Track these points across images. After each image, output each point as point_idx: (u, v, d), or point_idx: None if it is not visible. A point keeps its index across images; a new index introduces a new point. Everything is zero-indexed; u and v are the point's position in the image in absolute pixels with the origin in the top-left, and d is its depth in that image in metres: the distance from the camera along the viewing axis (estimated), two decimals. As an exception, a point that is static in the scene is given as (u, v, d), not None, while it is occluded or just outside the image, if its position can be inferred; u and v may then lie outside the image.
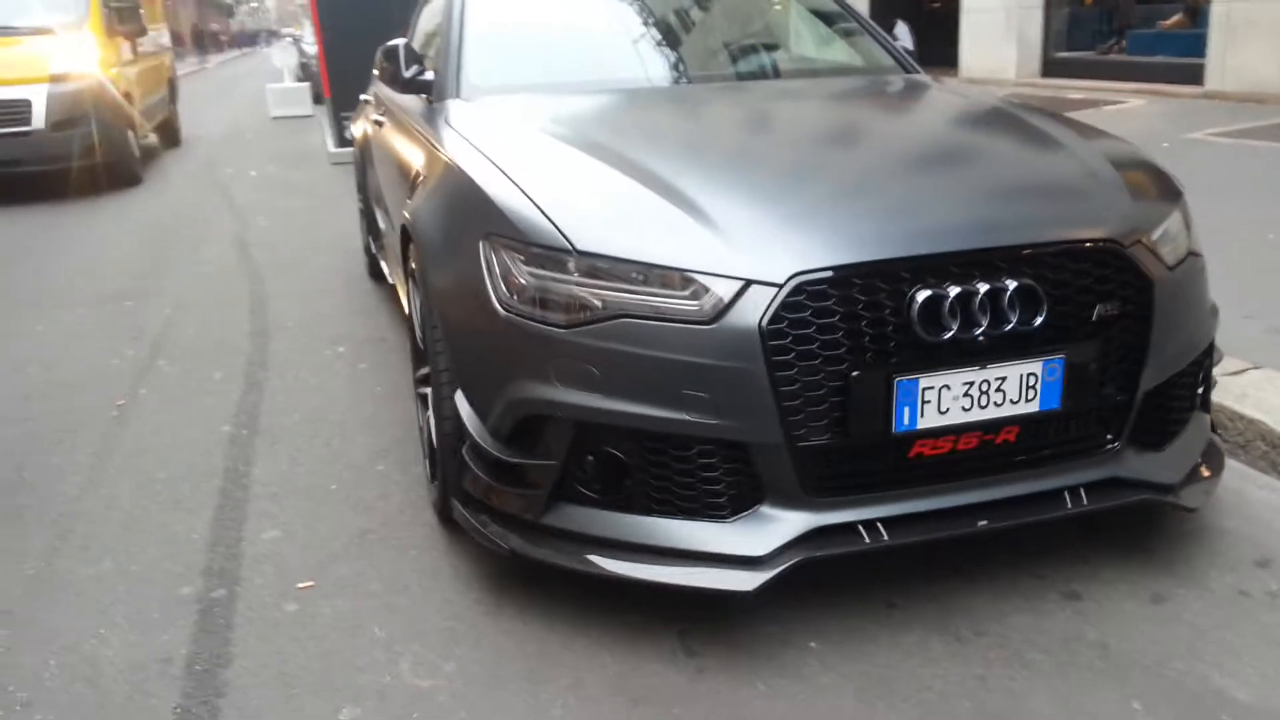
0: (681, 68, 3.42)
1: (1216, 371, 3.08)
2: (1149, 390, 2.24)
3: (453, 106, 3.08)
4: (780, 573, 2.03)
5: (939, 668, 2.05)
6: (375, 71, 3.59)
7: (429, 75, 3.31)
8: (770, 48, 3.72)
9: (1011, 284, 2.04)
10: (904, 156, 2.61)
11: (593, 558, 2.13)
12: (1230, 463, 2.83)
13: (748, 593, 2.02)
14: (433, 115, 3.08)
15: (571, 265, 2.09)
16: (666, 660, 2.10)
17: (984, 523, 2.14)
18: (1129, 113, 8.76)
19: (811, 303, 1.98)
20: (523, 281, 2.13)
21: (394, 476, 2.98)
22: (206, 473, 3.08)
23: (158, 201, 8.37)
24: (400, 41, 3.37)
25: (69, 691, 2.09)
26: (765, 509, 2.08)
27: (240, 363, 4.10)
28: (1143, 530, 2.48)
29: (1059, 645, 2.09)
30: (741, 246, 2.04)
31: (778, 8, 3.96)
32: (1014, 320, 2.04)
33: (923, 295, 2.00)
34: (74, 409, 3.68)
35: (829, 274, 1.99)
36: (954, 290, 2.01)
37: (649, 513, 2.12)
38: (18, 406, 3.75)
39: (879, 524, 2.09)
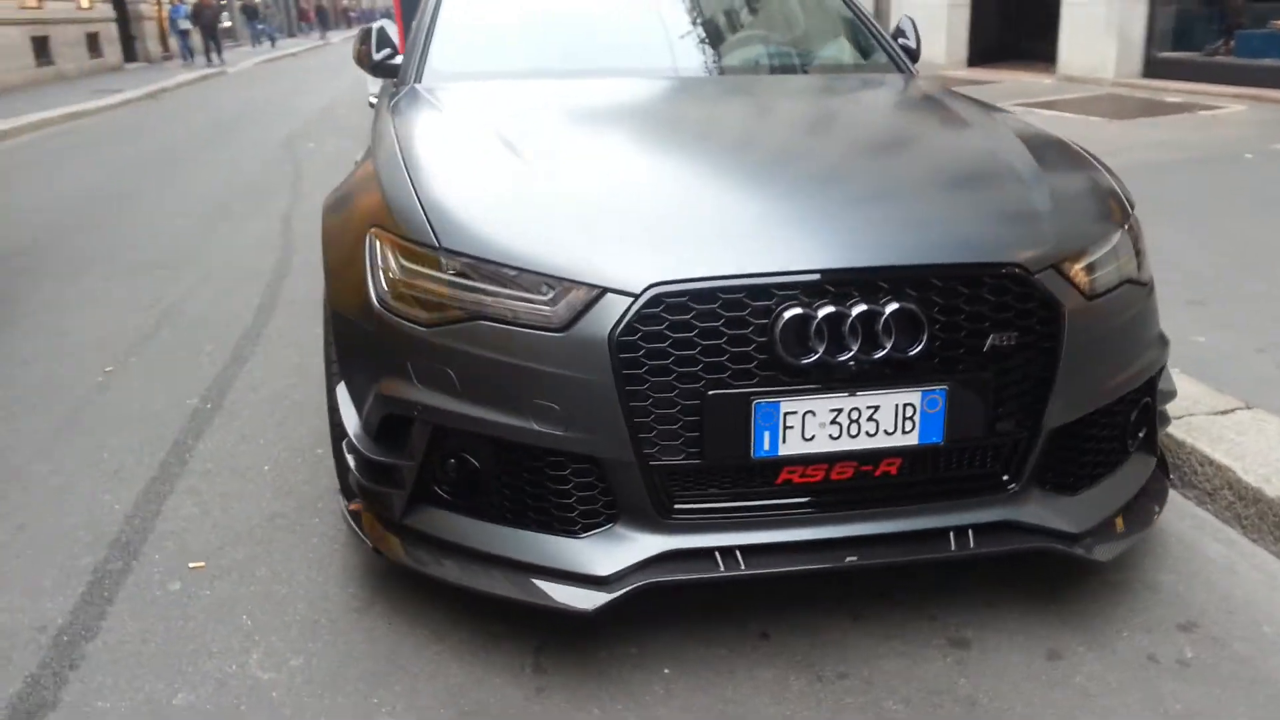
0: (654, 59, 3.30)
1: (1200, 409, 2.88)
2: (1058, 428, 2.07)
3: (405, 93, 3.05)
4: (625, 594, 1.94)
5: (786, 708, 1.93)
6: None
7: (397, 60, 3.29)
8: (755, 41, 3.58)
9: (890, 308, 1.90)
10: (815, 165, 2.47)
11: (447, 563, 2.08)
12: (1197, 512, 2.63)
13: (588, 612, 1.94)
14: (389, 100, 3.06)
15: (439, 263, 2.03)
16: (512, 675, 2.04)
17: (852, 559, 2.00)
18: (1222, 119, 8.21)
19: (669, 316, 1.88)
20: (394, 277, 2.09)
21: (329, 462, 2.97)
22: (156, 445, 3.14)
23: (230, 171, 8.62)
24: (376, 24, 3.36)
25: (-62, 653, 2.15)
26: (619, 528, 2.00)
27: (235, 336, 4.17)
28: (1064, 576, 2.29)
29: (923, 696, 1.95)
30: (605, 253, 1.95)
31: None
32: (889, 346, 1.90)
33: (789, 314, 1.87)
34: (63, 373, 3.80)
35: (690, 287, 1.89)
36: (824, 311, 1.88)
37: (503, 522, 2.05)
38: (15, 369, 3.89)
39: (737, 552, 1.98)
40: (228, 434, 3.21)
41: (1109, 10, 10.55)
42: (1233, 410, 2.86)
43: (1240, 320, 3.62)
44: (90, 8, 22.23)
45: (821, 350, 1.88)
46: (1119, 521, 2.19)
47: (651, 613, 2.17)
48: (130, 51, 23.80)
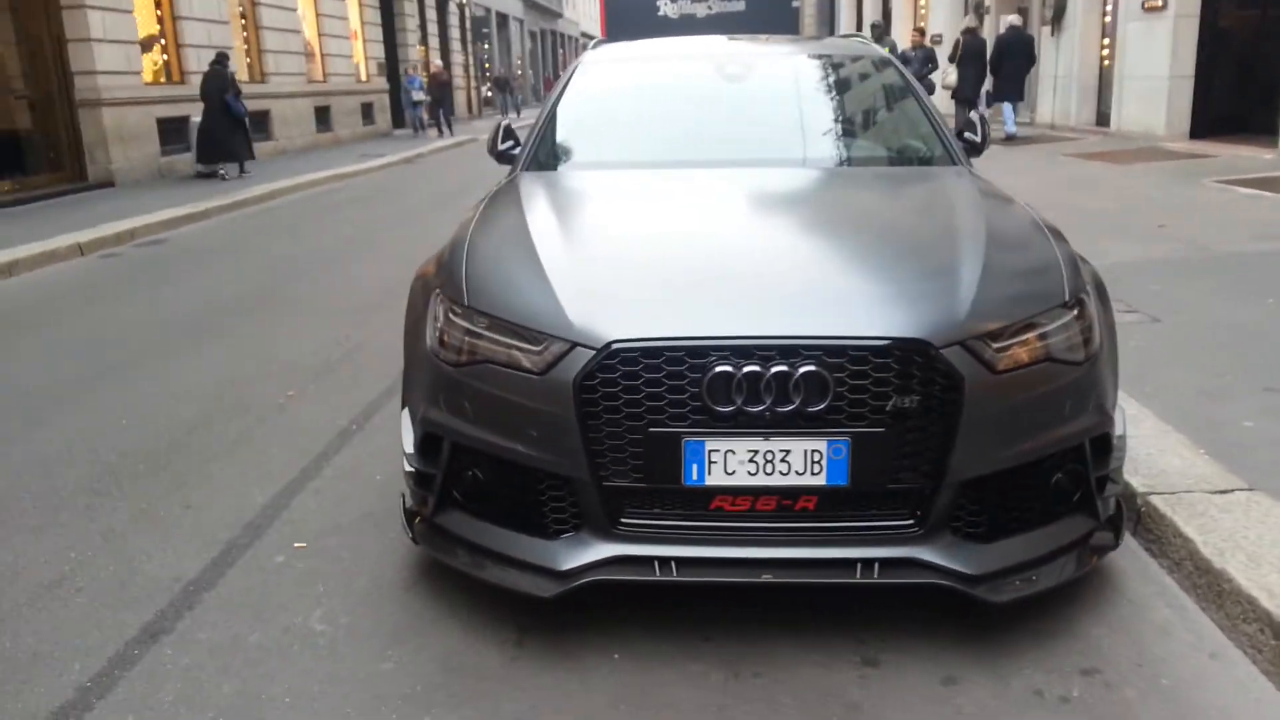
0: (721, 152, 3.78)
1: (1202, 487, 3.03)
2: (969, 482, 2.38)
3: (505, 181, 3.71)
4: (577, 586, 2.43)
5: (696, 693, 2.34)
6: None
7: (515, 150, 3.97)
8: (821, 137, 3.98)
9: (802, 369, 2.30)
10: (776, 246, 2.91)
11: (460, 553, 2.64)
12: (1162, 578, 2.80)
13: (547, 599, 2.44)
14: (496, 186, 3.73)
15: (466, 316, 2.62)
16: (498, 646, 2.54)
17: (768, 576, 2.40)
18: None
19: (622, 366, 2.37)
20: (441, 327, 2.70)
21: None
22: (304, 454, 3.89)
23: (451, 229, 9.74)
24: (504, 121, 4.06)
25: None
26: (583, 534, 2.49)
27: (395, 372, 4.89)
28: (1001, 619, 2.54)
29: (815, 698, 2.30)
30: (582, 316, 2.46)
31: (850, 97, 4.21)
32: (798, 401, 2.30)
33: (716, 370, 2.32)
34: (255, 395, 4.70)
35: (641, 345, 2.37)
36: (746, 369, 2.31)
37: (498, 523, 2.60)
38: (220, 388, 4.84)
39: (673, 561, 2.42)
40: (361, 450, 3.93)
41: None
42: (1232, 490, 2.98)
43: (1243, 397, 3.64)
44: (367, 81, 25.07)
45: (740, 401, 2.31)
46: (1033, 572, 2.45)
47: (621, 613, 2.63)
48: (399, 119, 26.53)
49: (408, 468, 2.81)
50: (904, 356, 2.33)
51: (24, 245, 8.74)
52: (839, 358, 2.32)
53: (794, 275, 2.66)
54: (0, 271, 8.07)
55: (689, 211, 3.29)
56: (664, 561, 2.43)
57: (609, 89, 4.33)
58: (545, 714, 2.30)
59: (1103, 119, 15.63)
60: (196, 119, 14.48)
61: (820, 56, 4.55)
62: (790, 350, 2.33)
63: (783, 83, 4.27)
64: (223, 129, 14.23)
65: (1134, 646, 2.48)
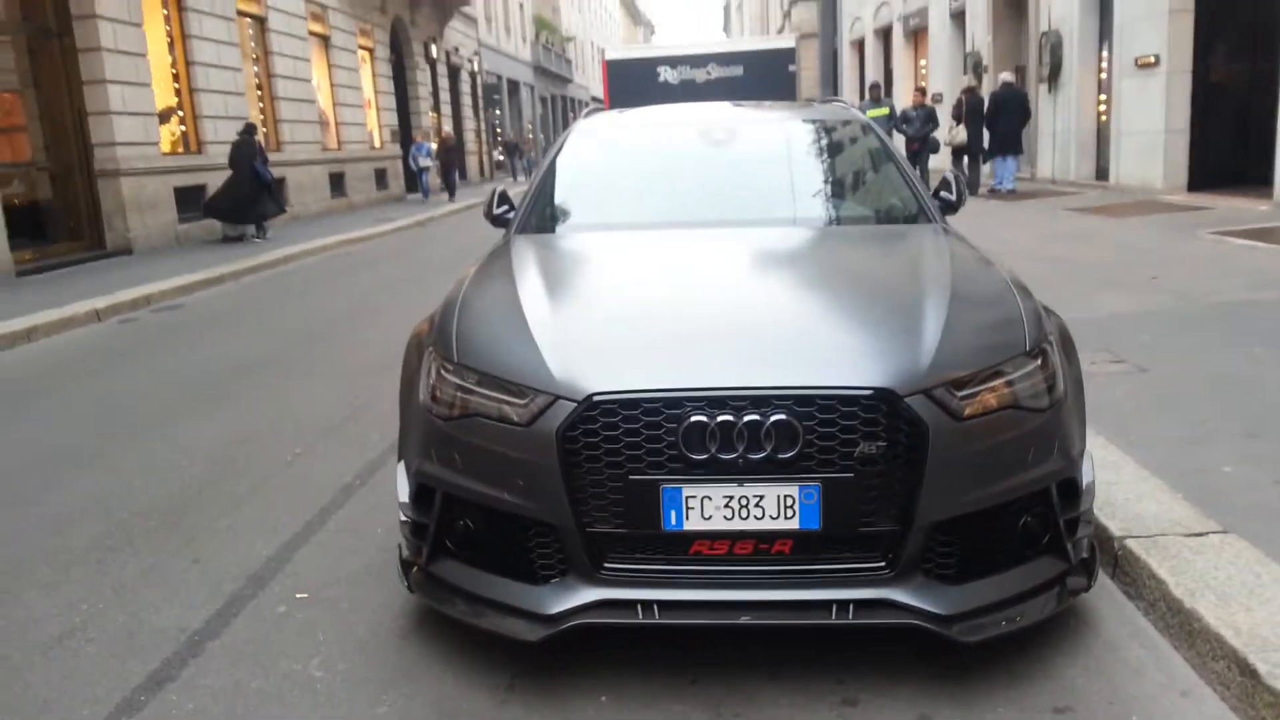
0: (708, 212, 3.94)
1: (1177, 530, 3.11)
2: (938, 525, 2.48)
3: (498, 244, 3.86)
4: (563, 630, 2.52)
5: (680, 734, 2.43)
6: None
7: (510, 215, 4.15)
8: (808, 198, 4.13)
9: (773, 418, 2.42)
10: (752, 303, 3.04)
11: (456, 601, 2.74)
12: (1138, 620, 2.88)
13: (535, 642, 2.54)
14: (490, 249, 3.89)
15: (456, 373, 2.76)
16: (489, 691, 2.63)
17: (746, 618, 2.49)
18: None
19: (602, 418, 2.49)
20: (433, 382, 2.83)
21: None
22: (309, 509, 4.01)
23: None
24: (499, 187, 4.24)
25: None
26: (569, 579, 2.59)
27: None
28: (977, 660, 2.62)
29: (792, 736, 2.39)
30: (564, 370, 2.59)
31: (830, 163, 4.39)
32: (769, 449, 2.42)
33: (691, 420, 2.44)
34: (264, 452, 4.83)
35: (620, 397, 2.50)
36: (720, 418, 2.43)
37: (490, 570, 2.70)
38: (230, 447, 4.97)
39: (655, 605, 2.52)
40: (363, 505, 4.05)
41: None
42: (1207, 533, 3.06)
43: (1278, 454, 3.72)
44: (381, 147, 25.60)
45: (714, 449, 2.43)
46: (1004, 613, 2.54)
47: (613, 656, 2.72)
48: (412, 183, 27.01)
49: (403, 518, 2.92)
50: (870, 405, 2.44)
51: (43, 311, 8.97)
52: (808, 407, 2.44)
53: (766, 329, 2.79)
54: (19, 337, 8.29)
55: (669, 270, 3.44)
56: (646, 605, 2.52)
57: (598, 155, 4.51)
58: (533, 754, 2.39)
59: (1102, 173, 15.84)
60: (214, 185, 15.08)
61: (801, 121, 4.75)
62: (762, 400, 2.45)
63: (764, 147, 4.46)
64: (251, 194, 15.22)
65: (1107, 685, 2.55)
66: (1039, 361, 2.69)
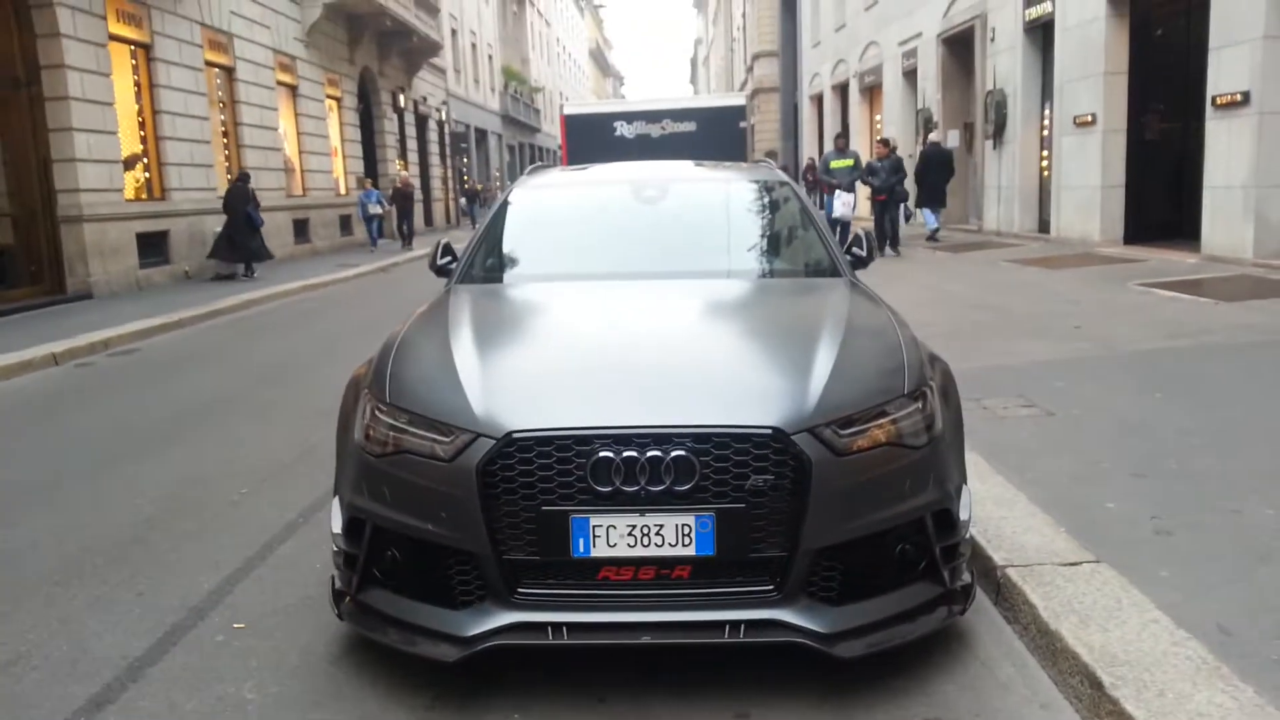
0: (640, 264, 4.21)
1: (1054, 559, 3.37)
2: (819, 551, 2.73)
3: (440, 294, 4.11)
4: (478, 650, 2.73)
5: (582, 746, 2.63)
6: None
7: (452, 265, 4.40)
8: (739, 252, 4.43)
9: (673, 454, 2.67)
10: (661, 347, 3.30)
11: (387, 629, 2.93)
12: (1014, 642, 3.13)
13: (451, 662, 2.75)
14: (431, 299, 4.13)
15: (389, 413, 2.98)
16: (409, 710, 2.83)
17: (647, 638, 2.72)
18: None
19: (518, 453, 2.72)
20: (367, 422, 3.05)
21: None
22: (251, 545, 4.19)
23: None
24: (443, 240, 4.50)
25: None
26: (486, 603, 2.80)
27: (345, 471, 5.27)
28: (861, 678, 2.85)
29: (685, 747, 2.60)
30: (486, 410, 2.83)
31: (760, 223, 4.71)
32: (669, 482, 2.66)
33: (598, 455, 2.68)
34: (212, 492, 5.00)
35: (535, 434, 2.74)
36: (624, 454, 2.68)
37: (414, 597, 2.91)
38: (180, 487, 5.14)
39: (564, 626, 2.74)
40: (304, 541, 4.23)
41: (1245, 194, 10.67)
42: (1080, 563, 3.33)
43: (1159, 492, 4.01)
44: (346, 194, 25.84)
45: (619, 482, 2.67)
46: (882, 633, 2.78)
47: (532, 677, 2.93)
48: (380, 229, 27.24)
49: (335, 549, 3.12)
50: (761, 442, 2.70)
51: (0, 355, 9.07)
52: (705, 444, 2.69)
53: (672, 372, 3.05)
54: (-24, 381, 8.39)
55: (591, 318, 3.70)
56: (556, 627, 2.74)
57: (537, 211, 4.80)
58: (445, 765, 2.58)
59: (1044, 226, 16.40)
60: (177, 231, 15.36)
61: (729, 182, 5.07)
62: (663, 438, 2.70)
63: (692, 206, 4.76)
64: (243, 235, 16.61)
65: (976, 700, 2.79)
66: (919, 404, 2.96)
